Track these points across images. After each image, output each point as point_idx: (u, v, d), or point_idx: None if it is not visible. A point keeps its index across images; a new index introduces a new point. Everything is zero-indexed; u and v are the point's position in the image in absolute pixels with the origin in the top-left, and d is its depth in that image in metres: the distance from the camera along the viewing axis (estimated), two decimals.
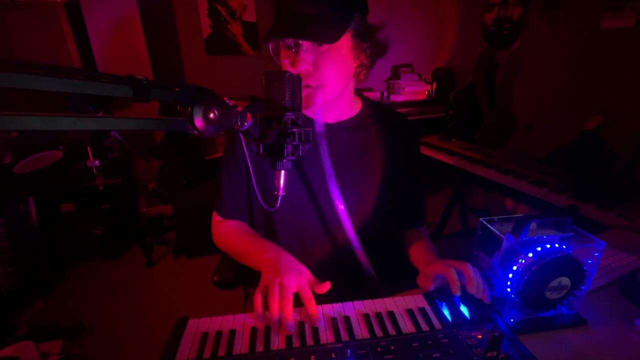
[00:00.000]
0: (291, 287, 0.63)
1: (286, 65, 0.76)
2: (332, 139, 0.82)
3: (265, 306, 0.64)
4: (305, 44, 0.73)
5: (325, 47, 0.73)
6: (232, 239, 0.90)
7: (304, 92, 0.77)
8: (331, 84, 0.77)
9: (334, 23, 0.71)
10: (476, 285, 0.65)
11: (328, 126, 0.84)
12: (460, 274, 0.68)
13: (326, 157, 0.79)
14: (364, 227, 0.87)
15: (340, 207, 0.81)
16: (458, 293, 0.67)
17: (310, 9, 0.70)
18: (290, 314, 0.62)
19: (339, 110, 0.88)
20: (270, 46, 0.79)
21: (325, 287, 0.68)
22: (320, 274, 0.90)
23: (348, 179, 0.84)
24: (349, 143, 0.87)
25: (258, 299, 0.64)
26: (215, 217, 0.95)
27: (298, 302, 0.71)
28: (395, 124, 0.94)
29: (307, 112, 0.83)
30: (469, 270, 0.66)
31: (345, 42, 0.74)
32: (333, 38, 0.71)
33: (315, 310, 0.64)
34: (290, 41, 0.74)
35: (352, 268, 0.88)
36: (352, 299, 0.73)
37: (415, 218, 1.00)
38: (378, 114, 0.93)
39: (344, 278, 0.93)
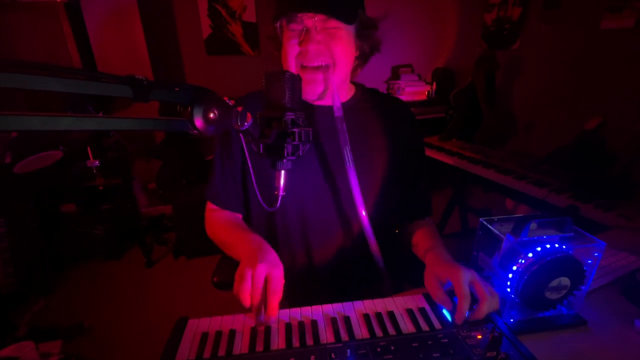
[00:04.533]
0: (262, 275, 0.61)
1: (293, 44, 0.76)
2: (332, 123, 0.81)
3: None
4: (318, 24, 0.74)
5: (335, 28, 0.75)
6: (220, 229, 0.89)
7: (318, 76, 0.78)
8: (342, 63, 0.78)
9: (347, 5, 0.74)
10: (477, 318, 0.63)
11: (327, 109, 0.83)
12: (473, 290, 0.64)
13: (346, 142, 0.78)
14: (374, 213, 0.86)
15: (357, 194, 0.78)
16: (459, 323, 0.64)
17: None
18: (257, 300, 0.59)
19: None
20: (277, 24, 0.80)
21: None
22: (329, 267, 0.90)
23: (357, 162, 0.81)
24: (351, 124, 0.84)
25: (234, 290, 0.61)
26: (209, 206, 0.95)
27: (299, 302, 0.71)
28: (393, 107, 0.94)
29: (325, 101, 0.84)
30: (483, 307, 0.61)
31: (351, 28, 0.78)
32: (349, 17, 0.75)
33: (275, 305, 0.61)
34: (299, 25, 0.75)
35: (362, 260, 0.88)
36: (359, 292, 0.73)
37: (422, 207, 0.98)
38: (375, 98, 0.93)
39: (353, 270, 0.93)
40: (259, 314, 0.63)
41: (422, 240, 0.87)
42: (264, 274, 0.61)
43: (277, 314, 0.62)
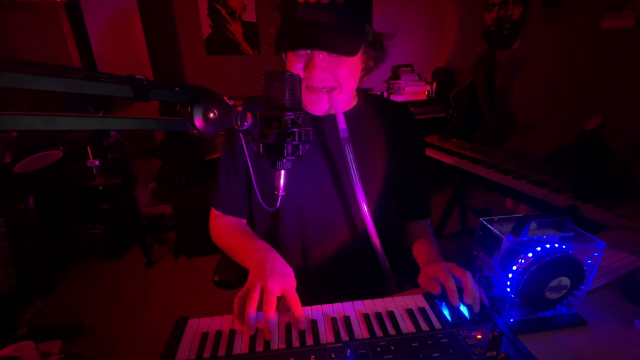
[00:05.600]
0: (275, 291, 0.62)
1: (298, 69, 0.76)
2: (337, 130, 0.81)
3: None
4: (323, 53, 0.73)
5: (341, 56, 0.74)
6: (225, 235, 0.89)
7: (323, 96, 0.78)
8: (347, 86, 0.79)
9: (351, 34, 0.72)
10: (473, 298, 0.66)
11: (329, 117, 0.83)
12: (458, 281, 0.68)
13: (352, 160, 0.78)
14: (376, 218, 0.86)
15: (362, 203, 0.79)
16: (456, 304, 0.67)
17: (327, 18, 0.70)
18: (272, 317, 0.60)
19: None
20: (282, 54, 0.80)
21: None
22: (331, 268, 0.90)
23: (360, 170, 0.82)
24: (355, 132, 0.84)
25: (237, 301, 0.63)
26: (213, 212, 0.95)
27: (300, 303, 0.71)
28: (396, 113, 0.94)
29: (329, 120, 0.84)
30: (468, 281, 0.66)
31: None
32: (353, 50, 0.73)
33: (301, 313, 0.63)
34: (304, 51, 0.74)
35: (364, 261, 0.88)
36: (362, 293, 0.73)
37: (420, 209, 0.99)
38: (378, 105, 0.93)
39: (355, 272, 0.93)
40: (270, 328, 0.61)
41: (423, 252, 0.87)
42: (277, 290, 0.62)
43: (305, 318, 0.64)
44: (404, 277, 0.96)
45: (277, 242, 0.91)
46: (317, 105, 0.80)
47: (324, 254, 0.91)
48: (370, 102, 0.93)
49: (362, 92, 0.94)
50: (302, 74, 0.76)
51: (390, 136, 0.90)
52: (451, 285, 0.67)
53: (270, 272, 0.66)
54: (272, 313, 0.60)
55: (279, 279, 0.64)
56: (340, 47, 0.72)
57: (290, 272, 0.69)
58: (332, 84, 0.77)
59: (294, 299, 0.64)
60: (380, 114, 0.92)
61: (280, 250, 0.90)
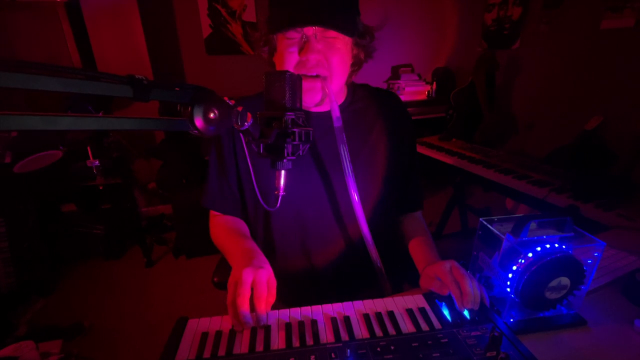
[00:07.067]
0: (247, 282, 0.62)
1: (291, 52, 0.75)
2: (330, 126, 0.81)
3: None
4: (318, 33, 0.73)
5: (334, 38, 0.74)
6: (218, 235, 0.90)
7: (316, 84, 0.77)
8: (338, 74, 0.78)
9: (346, 16, 0.73)
10: (472, 301, 0.65)
11: (323, 114, 0.83)
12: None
13: (345, 151, 0.77)
14: (372, 215, 0.86)
15: (355, 197, 0.79)
16: (461, 310, 0.67)
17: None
18: (242, 307, 0.62)
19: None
20: (277, 35, 0.78)
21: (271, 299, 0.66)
22: (327, 270, 0.90)
23: (354, 165, 0.81)
24: (346, 125, 0.83)
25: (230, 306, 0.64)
26: (212, 212, 0.96)
27: (293, 303, 0.71)
28: (385, 101, 0.93)
29: (323, 107, 0.83)
30: (466, 285, 0.66)
31: (349, 38, 0.77)
32: (350, 29, 0.74)
33: (262, 311, 0.63)
34: (297, 33, 0.73)
35: (360, 262, 0.88)
36: (358, 295, 0.73)
37: (413, 201, 0.98)
38: (367, 96, 0.92)
39: (351, 273, 0.93)
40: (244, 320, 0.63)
41: (420, 256, 0.86)
42: (249, 280, 0.63)
43: (264, 315, 0.64)
44: (399, 278, 0.95)
45: (272, 244, 0.90)
46: (311, 93, 0.78)
47: (320, 255, 0.90)
48: (360, 93, 0.92)
49: (352, 85, 0.93)
50: (295, 58, 0.75)
51: (381, 126, 0.89)
52: (456, 290, 0.66)
53: (245, 263, 0.67)
54: (243, 302, 0.61)
55: (252, 271, 0.64)
56: (341, 24, 0.72)
57: (266, 266, 0.68)
58: (324, 73, 0.76)
59: (258, 293, 0.63)
60: (371, 104, 0.91)
61: (275, 254, 0.89)
